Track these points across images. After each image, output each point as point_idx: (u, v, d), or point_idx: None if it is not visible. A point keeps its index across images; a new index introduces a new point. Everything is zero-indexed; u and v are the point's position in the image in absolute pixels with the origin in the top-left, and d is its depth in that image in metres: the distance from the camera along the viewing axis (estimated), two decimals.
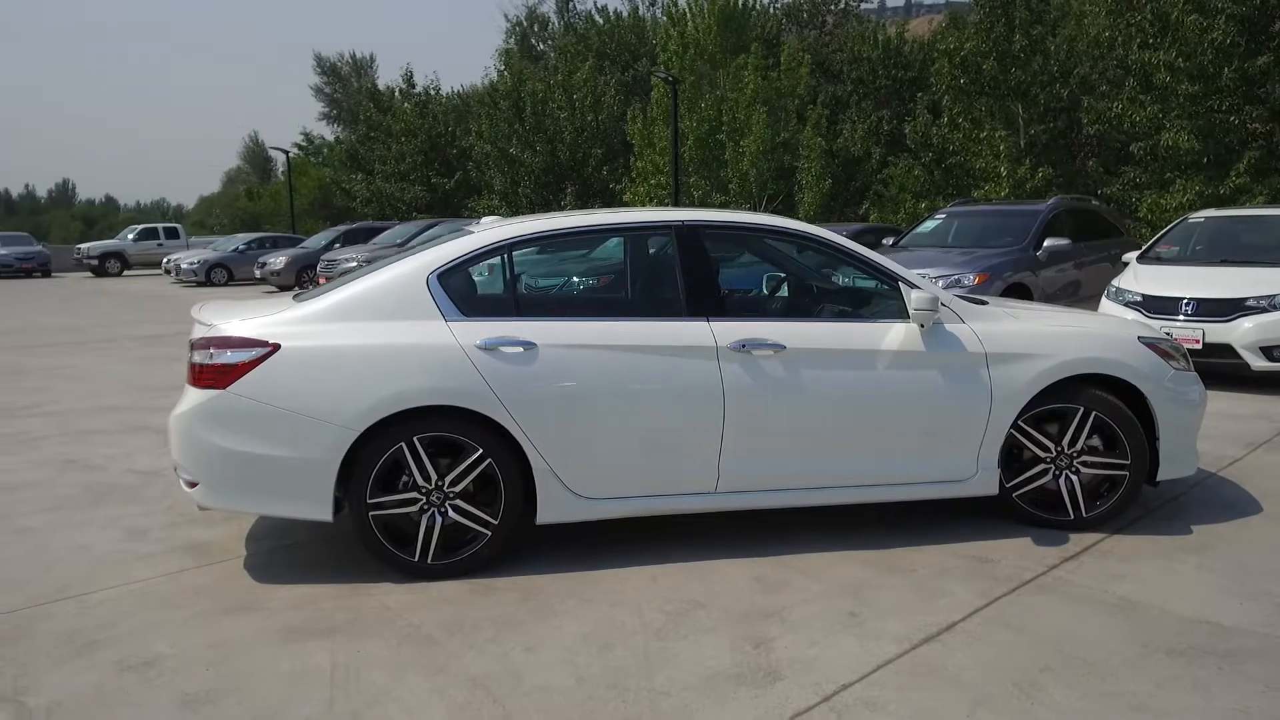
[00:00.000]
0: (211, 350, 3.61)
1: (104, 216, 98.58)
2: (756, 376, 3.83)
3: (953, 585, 3.59)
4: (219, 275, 24.61)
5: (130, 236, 31.17)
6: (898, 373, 3.94)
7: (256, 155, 66.64)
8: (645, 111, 26.69)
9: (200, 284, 24.19)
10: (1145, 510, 4.46)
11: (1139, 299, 8.04)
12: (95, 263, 29.42)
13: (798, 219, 19.41)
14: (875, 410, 3.93)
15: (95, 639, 3.20)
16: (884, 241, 11.25)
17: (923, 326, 3.93)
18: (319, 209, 37.87)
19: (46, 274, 29.68)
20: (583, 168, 28.73)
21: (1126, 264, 8.87)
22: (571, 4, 52.70)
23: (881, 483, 4.01)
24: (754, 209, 24.93)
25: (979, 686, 2.82)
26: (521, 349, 3.67)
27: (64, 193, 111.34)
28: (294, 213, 30.54)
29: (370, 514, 3.62)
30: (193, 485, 3.66)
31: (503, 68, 30.70)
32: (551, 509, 3.76)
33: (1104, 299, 8.47)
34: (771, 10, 36.42)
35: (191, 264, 24.60)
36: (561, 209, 27.44)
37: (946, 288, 8.86)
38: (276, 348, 3.58)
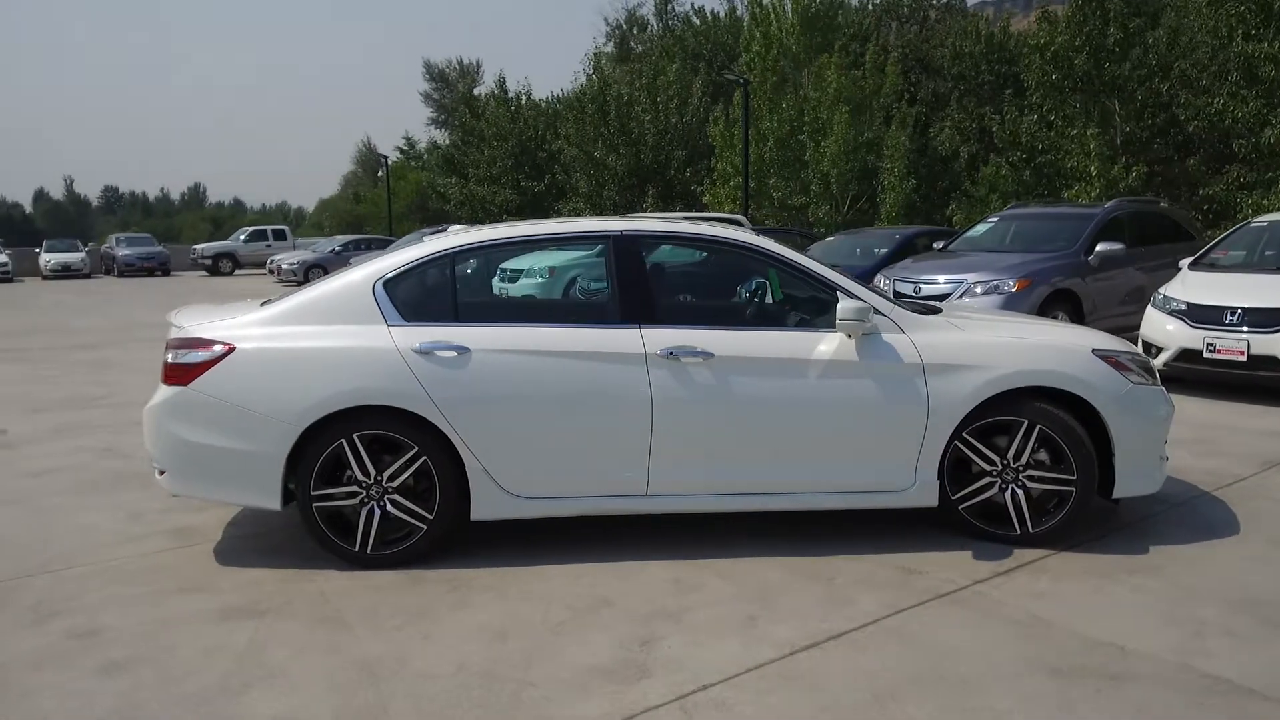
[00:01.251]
0: (178, 350, 3.94)
1: (231, 218, 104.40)
2: (685, 383, 3.91)
3: (865, 595, 3.60)
4: (316, 275, 25.86)
5: (242, 238, 33.08)
6: (828, 382, 3.95)
7: (368, 159, 69.52)
8: (727, 113, 26.67)
9: (300, 283, 25.49)
10: (1111, 528, 4.34)
11: (1183, 307, 7.67)
12: (209, 263, 31.36)
13: (879, 220, 19.03)
14: (805, 419, 3.95)
15: (56, 609, 3.56)
16: (934, 245, 11.02)
17: (849, 336, 3.94)
18: (416, 212, 39.35)
19: (166, 273, 31.79)
20: (665, 170, 28.90)
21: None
22: (670, 5, 52.97)
23: (814, 490, 4.04)
24: (835, 210, 24.61)
25: (836, 694, 2.85)
26: (455, 353, 3.87)
27: (195, 196, 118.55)
28: (391, 216, 31.88)
29: (314, 505, 3.88)
30: (162, 473, 4.01)
31: (591, 71, 31.08)
32: (485, 506, 3.94)
33: (1149, 307, 8.11)
34: (869, 7, 35.77)
35: (291, 264, 25.95)
36: (642, 210, 27.68)
37: (984, 293, 8.68)
38: (232, 349, 3.88)
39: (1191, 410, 6.97)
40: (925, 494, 4.04)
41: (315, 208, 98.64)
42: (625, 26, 56.64)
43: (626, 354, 3.91)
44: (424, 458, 3.87)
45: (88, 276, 31.30)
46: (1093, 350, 4.11)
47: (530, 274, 5.78)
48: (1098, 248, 9.25)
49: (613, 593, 3.66)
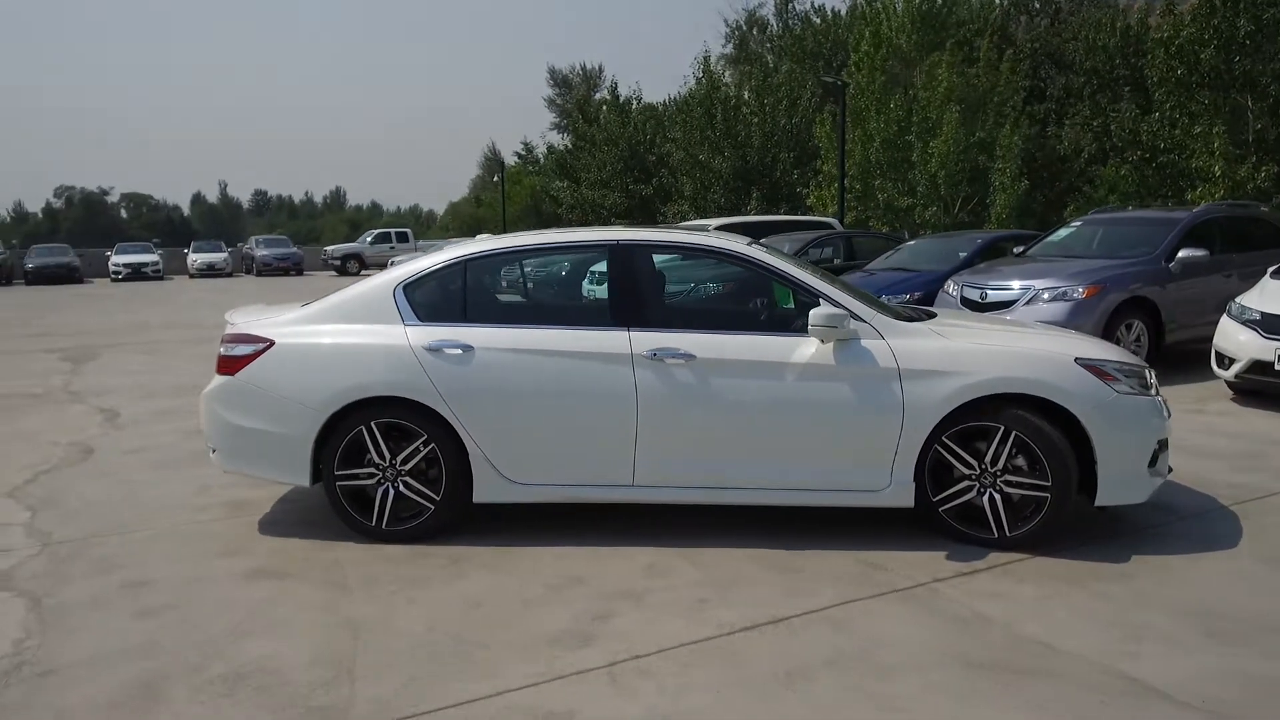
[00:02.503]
0: (229, 344, 4.51)
1: (368, 221, 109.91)
2: (667, 383, 4.20)
3: (824, 587, 3.79)
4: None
5: (368, 240, 35.01)
6: (805, 384, 4.15)
7: (491, 164, 72.18)
8: (835, 114, 26.44)
9: None
10: (1104, 535, 4.35)
11: (1257, 317, 7.35)
12: (338, 263, 33.36)
13: (988, 223, 18.48)
14: (782, 418, 4.16)
15: (118, 564, 4.17)
16: (1013, 250, 10.79)
17: (823, 341, 4.12)
18: (530, 215, 40.65)
19: (299, 272, 33.99)
20: (771, 172, 28.89)
21: None
22: (791, 4, 52.64)
23: (791, 488, 4.24)
24: (943, 212, 24.06)
25: (753, 670, 3.09)
26: (461, 351, 4.28)
27: (336, 199, 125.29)
28: (505, 218, 33.13)
29: (337, 484, 4.36)
30: (214, 452, 4.59)
31: (700, 74, 31.35)
32: (485, 490, 4.33)
33: (1224, 316, 7.80)
34: (997, 3, 34.64)
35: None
36: (745, 213, 27.76)
37: (1051, 300, 8.53)
38: (272, 344, 4.42)
39: (1255, 423, 6.71)
40: (901, 495, 4.18)
41: (445, 211, 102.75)
42: (745, 27, 56.66)
43: (615, 354, 4.22)
44: (432, 445, 4.29)
45: (230, 275, 33.81)
46: (1075, 359, 4.15)
47: (539, 278, 6.20)
48: (1180, 254, 8.91)
49: (590, 573, 3.98)
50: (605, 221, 32.86)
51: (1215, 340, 7.77)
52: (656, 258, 4.59)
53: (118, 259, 32.58)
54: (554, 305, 4.62)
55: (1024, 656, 3.17)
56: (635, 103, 37.65)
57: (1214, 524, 4.54)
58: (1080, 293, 8.51)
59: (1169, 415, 4.41)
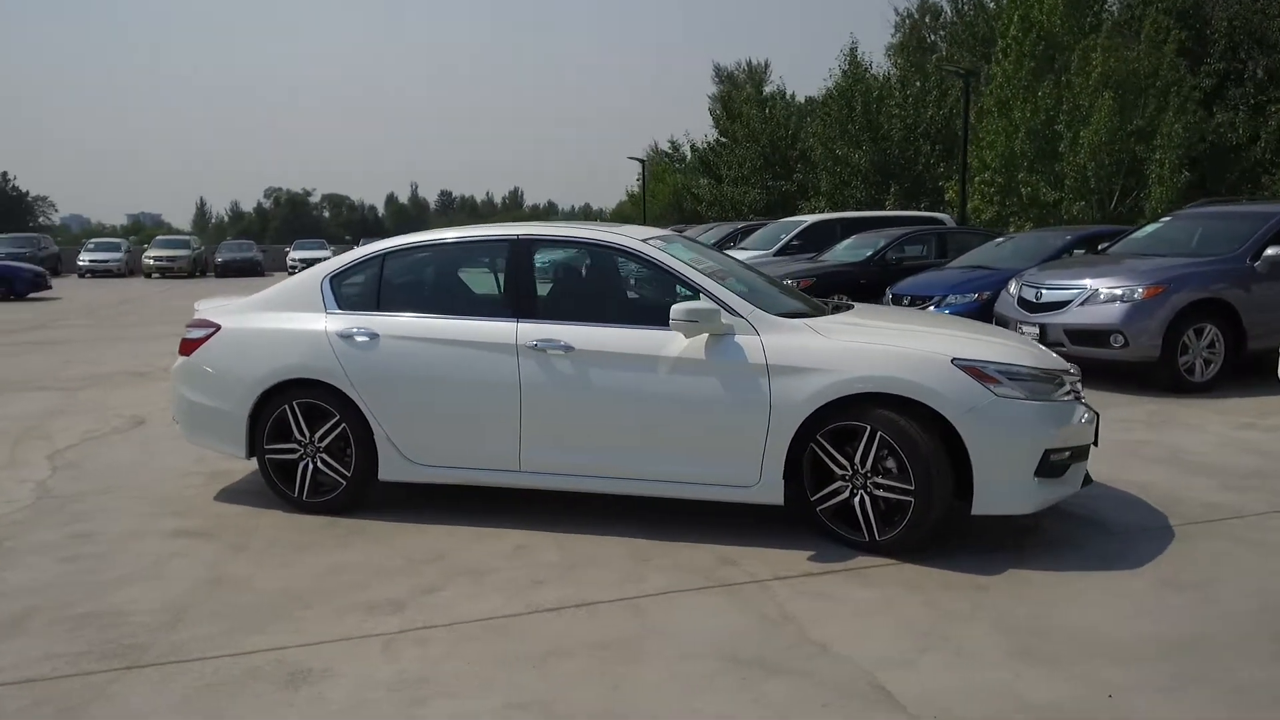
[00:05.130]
0: (189, 328, 5.06)
1: (543, 219, 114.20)
2: (548, 373, 4.36)
3: (659, 576, 3.86)
4: None
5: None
6: (676, 378, 4.20)
7: (654, 161, 73.35)
8: (982, 104, 25.17)
9: None
10: (999, 547, 4.14)
11: None
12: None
13: (1140, 219, 17.15)
14: (654, 411, 4.23)
15: (81, 518, 4.78)
16: (1100, 246, 10.03)
17: (686, 335, 4.15)
18: (672, 212, 41.04)
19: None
20: (913, 165, 27.84)
21: None
22: None
23: (666, 480, 4.29)
24: (1092, 206, 22.41)
25: (519, 647, 3.23)
26: (368, 338, 4.61)
27: (514, 199, 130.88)
28: (645, 216, 33.64)
29: (266, 456, 4.81)
30: (176, 424, 5.16)
31: (847, 65, 30.57)
32: (389, 469, 4.65)
33: None
34: None
35: None
36: (883, 207, 26.91)
37: (1107, 301, 7.96)
38: (219, 328, 4.93)
39: None
40: (771, 492, 4.15)
41: (613, 209, 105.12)
42: (916, 15, 54.59)
43: (503, 344, 4.43)
44: (343, 425, 4.66)
45: None
46: (953, 359, 3.97)
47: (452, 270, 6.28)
48: (1267, 252, 8.04)
49: (457, 551, 4.22)
50: (744, 217, 32.68)
51: None
52: (569, 254, 4.75)
53: (294, 254, 35.60)
54: (459, 297, 4.86)
55: (792, 657, 3.13)
56: (787, 97, 37.21)
57: (1135, 543, 4.21)
58: (1139, 294, 7.87)
59: (1085, 422, 4.14)
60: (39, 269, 22.69)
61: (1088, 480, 4.30)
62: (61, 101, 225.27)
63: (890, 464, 4.00)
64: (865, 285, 12.11)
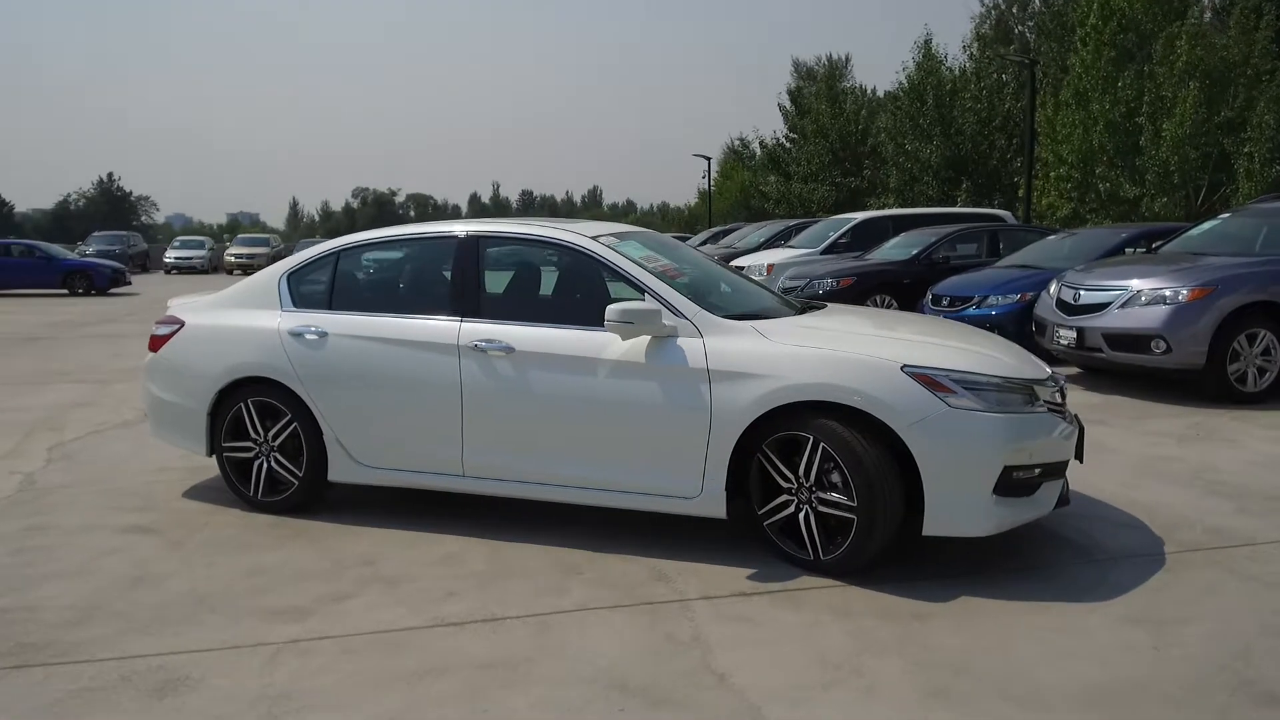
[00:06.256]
0: (157, 325, 5.08)
1: (621, 217, 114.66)
2: (489, 374, 4.20)
3: (582, 590, 3.66)
4: None
5: None
6: (615, 382, 3.98)
7: (727, 158, 72.65)
8: (1055, 95, 24.09)
9: None
10: (959, 574, 3.80)
11: None
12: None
13: (1220, 212, 16.27)
14: (593, 416, 4.03)
15: (47, 510, 4.83)
16: (1153, 245, 9.38)
17: (622, 337, 3.93)
18: (739, 210, 40.48)
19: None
20: (986, 160, 26.80)
21: None
22: None
23: (607, 488, 4.08)
24: (1175, 203, 21.18)
25: (400, 663, 3.08)
26: (317, 336, 4.54)
27: (593, 198, 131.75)
28: (711, 213, 33.27)
29: (224, 454, 4.79)
30: (147, 419, 5.19)
31: (920, 57, 29.61)
32: (339, 470, 4.57)
33: None
34: None
35: None
36: (954, 203, 26.00)
37: (1148, 304, 7.44)
38: (183, 324, 4.93)
39: None
40: (713, 504, 3.91)
41: (692, 206, 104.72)
42: (1004, 6, 52.80)
43: (445, 344, 4.29)
44: (294, 424, 4.59)
45: None
46: (902, 366, 3.65)
47: (404, 268, 6.11)
48: None
49: (386, 556, 4.09)
50: (811, 215, 32.05)
51: None
52: (517, 251, 4.59)
53: None
54: (408, 295, 4.75)
55: (681, 687, 2.90)
56: (863, 91, 36.31)
57: (1115, 572, 3.82)
58: (1184, 295, 7.29)
59: (1064, 437, 3.78)
60: (118, 265, 23.77)
61: (1064, 500, 3.93)
62: (168, 105, 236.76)
63: (835, 478, 3.72)
64: (909, 285, 11.64)
